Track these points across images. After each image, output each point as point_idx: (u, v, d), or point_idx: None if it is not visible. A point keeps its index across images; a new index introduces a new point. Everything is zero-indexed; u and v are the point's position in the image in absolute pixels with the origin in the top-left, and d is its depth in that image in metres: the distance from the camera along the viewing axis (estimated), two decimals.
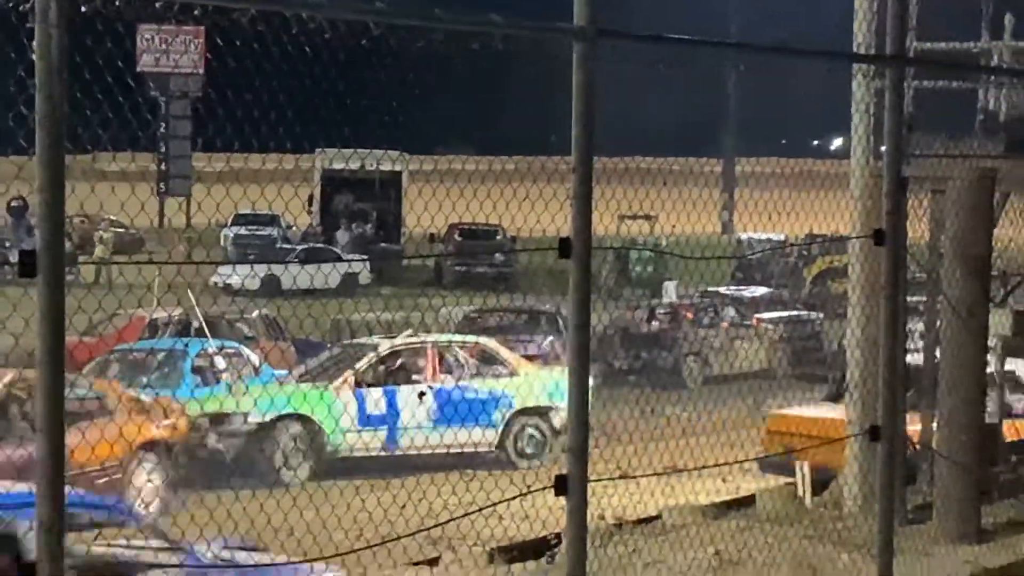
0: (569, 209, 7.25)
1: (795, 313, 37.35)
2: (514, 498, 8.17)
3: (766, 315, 36.52)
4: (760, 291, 40.29)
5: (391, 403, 22.06)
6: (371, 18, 6.75)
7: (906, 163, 11.13)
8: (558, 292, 31.93)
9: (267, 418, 20.84)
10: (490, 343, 24.20)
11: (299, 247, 50.00)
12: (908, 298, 13.19)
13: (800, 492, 14.42)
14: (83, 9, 5.74)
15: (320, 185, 55.98)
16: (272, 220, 54.14)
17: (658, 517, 14.22)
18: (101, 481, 16.30)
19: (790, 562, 11.70)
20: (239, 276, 39.70)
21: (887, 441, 9.44)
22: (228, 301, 29.63)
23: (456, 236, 50.09)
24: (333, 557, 8.58)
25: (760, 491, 14.78)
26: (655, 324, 34.02)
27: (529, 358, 26.19)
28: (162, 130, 60.03)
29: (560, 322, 30.33)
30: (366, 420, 21.68)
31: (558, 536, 12.07)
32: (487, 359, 23.55)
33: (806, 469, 14.30)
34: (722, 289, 37.96)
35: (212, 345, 23.66)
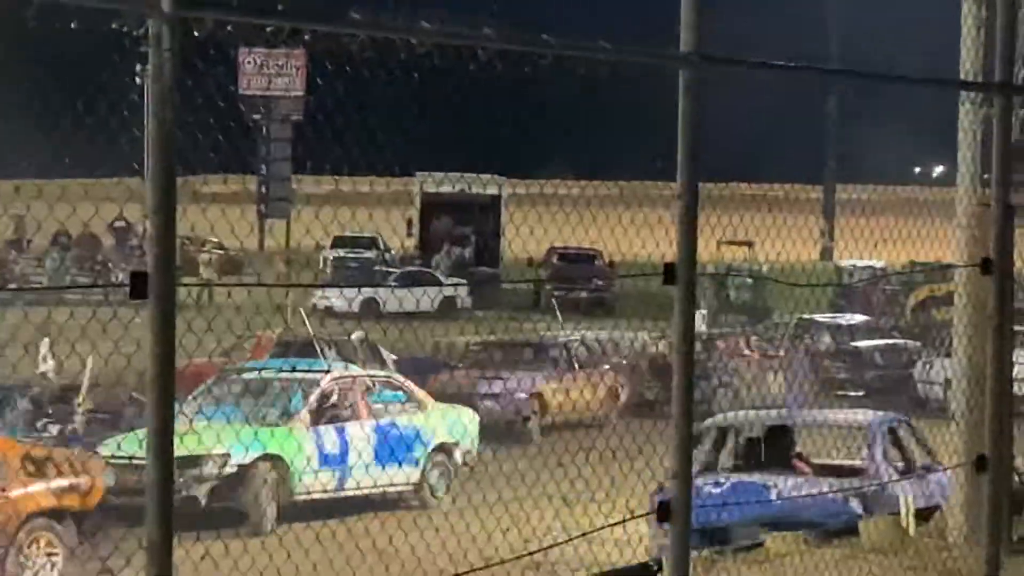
0: (671, 234, 7.25)
1: (891, 341, 37.11)
2: (617, 524, 8.15)
3: (861, 343, 36.30)
4: (857, 318, 40.00)
5: (343, 441, 20.86)
6: (480, 43, 6.78)
7: (1014, 191, 11.03)
8: (660, 318, 31.87)
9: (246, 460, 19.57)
10: (399, 377, 23.25)
11: (398, 270, 50.21)
12: (1015, 327, 13.04)
13: (904, 522, 14.27)
14: (196, 34, 5.81)
15: (420, 208, 56.19)
16: (371, 243, 54.39)
17: (760, 545, 14.13)
18: None
19: None
20: (340, 299, 39.89)
21: (993, 471, 9.33)
22: (332, 323, 29.82)
23: (555, 260, 50.08)
24: None
25: (864, 520, 14.63)
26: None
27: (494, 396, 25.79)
28: (264, 152, 60.50)
29: (569, 354, 29.70)
30: (324, 460, 20.48)
31: (659, 562, 12.03)
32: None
33: (910, 499, 14.16)
34: (818, 317, 37.55)
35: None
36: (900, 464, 16.32)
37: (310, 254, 47.32)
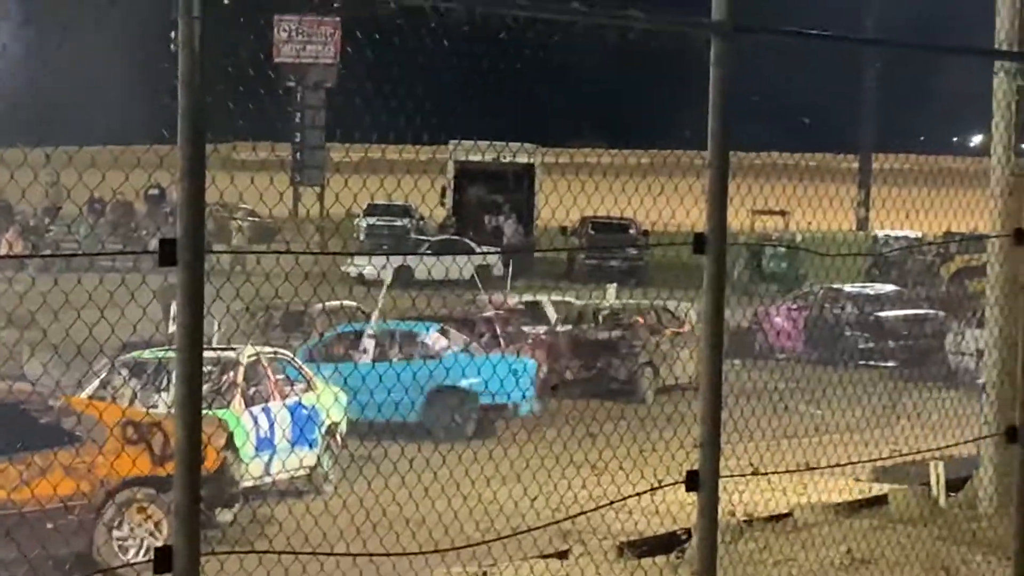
0: (703, 204, 7.23)
1: (918, 312, 36.94)
2: (645, 492, 8.15)
3: (886, 313, 36.14)
4: (885, 288, 39.78)
5: (270, 424, 19.76)
6: (510, 11, 6.77)
7: None
8: (690, 287, 31.75)
9: None
10: (288, 354, 22.25)
11: (431, 238, 50.18)
12: None
13: (934, 492, 14.25)
14: (225, 1, 5.81)
15: (453, 177, 56.20)
16: (405, 211, 54.41)
17: (789, 515, 14.13)
18: (61, 523, 14.14)
19: (923, 563, 11.57)
20: (373, 266, 39.93)
21: None
22: (363, 292, 29.77)
23: (589, 229, 50.05)
24: (463, 548, 8.63)
25: (893, 491, 14.63)
26: (605, 332, 30.59)
27: None
28: (297, 120, 60.52)
29: (495, 331, 28.36)
30: (259, 444, 19.32)
31: (688, 531, 12.04)
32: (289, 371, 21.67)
33: (940, 469, 14.14)
34: (845, 286, 37.30)
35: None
36: None
37: (342, 221, 47.39)
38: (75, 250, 42.45)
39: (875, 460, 12.70)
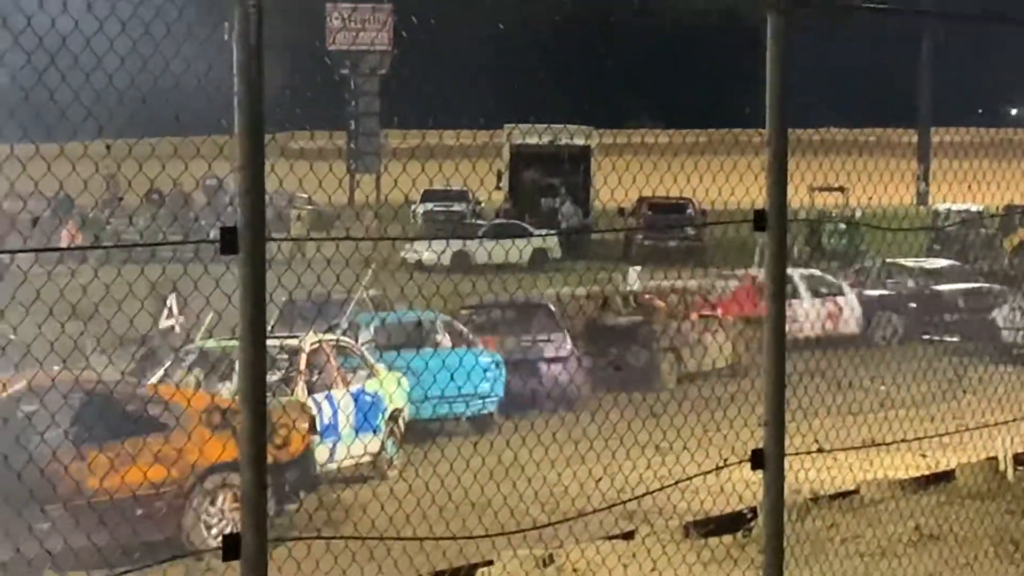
0: (763, 181, 7.20)
1: (973, 285, 36.83)
2: (710, 472, 8.14)
3: (941, 287, 36.07)
4: (941, 262, 39.74)
5: (334, 411, 19.84)
6: None
7: None
8: (749, 264, 31.63)
9: None
10: (350, 341, 22.19)
11: (488, 222, 50.20)
12: None
13: (1002, 467, 14.16)
14: None
15: (508, 160, 56.19)
16: (461, 196, 54.46)
17: (856, 492, 14.07)
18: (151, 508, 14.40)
19: (992, 537, 11.50)
20: (431, 252, 39.99)
21: None
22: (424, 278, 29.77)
23: (646, 210, 49.90)
24: (529, 531, 8.63)
25: (960, 465, 14.54)
26: (621, 318, 29.62)
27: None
28: (352, 107, 60.66)
29: (555, 316, 27.90)
30: (324, 430, 19.13)
31: (754, 510, 12.00)
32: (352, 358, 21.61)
33: (1008, 443, 14.04)
34: (903, 260, 37.24)
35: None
36: None
37: (400, 208, 47.47)
38: (136, 241, 42.68)
39: (941, 435, 12.62)
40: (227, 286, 5.96)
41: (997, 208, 31.98)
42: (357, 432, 19.58)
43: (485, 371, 23.50)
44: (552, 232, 47.84)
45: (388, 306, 26.61)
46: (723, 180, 9.98)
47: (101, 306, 8.62)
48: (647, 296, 31.21)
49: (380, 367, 21.57)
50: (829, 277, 35.96)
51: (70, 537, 12.89)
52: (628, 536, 12.98)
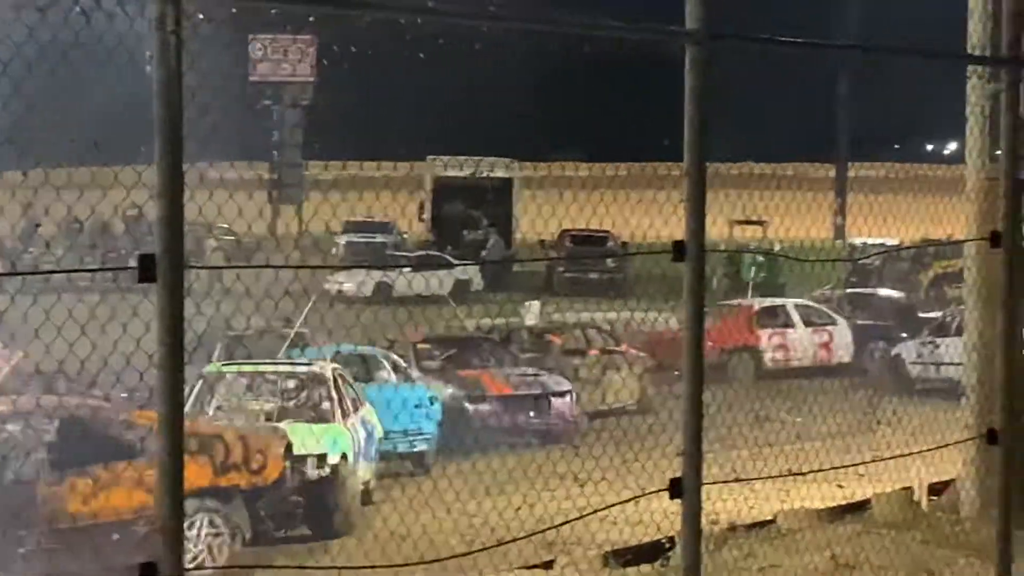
0: (682, 214, 7.25)
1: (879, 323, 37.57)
2: (628, 501, 8.17)
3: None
4: (891, 292, 41.00)
5: (366, 433, 20.05)
6: (483, 23, 6.79)
7: (1022, 166, 11.02)
8: (671, 298, 31.75)
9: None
10: (344, 371, 21.99)
11: (410, 254, 50.17)
12: None
13: (917, 496, 14.29)
14: (200, 16, 5.81)
15: (431, 192, 56.25)
16: (384, 227, 54.43)
17: (773, 521, 14.15)
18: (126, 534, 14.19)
19: (907, 566, 11.60)
20: (352, 283, 39.92)
21: (1005, 444, 9.34)
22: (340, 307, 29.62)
23: (567, 242, 50.08)
24: (448, 559, 8.63)
25: (876, 496, 14.66)
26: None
27: None
28: (275, 138, 60.51)
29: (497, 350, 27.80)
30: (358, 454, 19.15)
31: (672, 540, 12.05)
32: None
33: (922, 474, 14.18)
34: (861, 290, 38.42)
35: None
36: None
37: (321, 239, 47.39)
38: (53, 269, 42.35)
39: (857, 464, 12.73)
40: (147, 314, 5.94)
41: (912, 242, 32.37)
42: (361, 459, 19.33)
43: (417, 407, 23.21)
44: (472, 263, 47.88)
45: (309, 339, 26.40)
46: (643, 212, 10.05)
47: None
48: (545, 332, 30.69)
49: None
50: (823, 308, 37.04)
51: (45, 563, 12.88)
52: (547, 566, 12.99)
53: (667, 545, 12.59)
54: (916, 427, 16.62)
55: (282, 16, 6.02)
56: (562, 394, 25.96)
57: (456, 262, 44.16)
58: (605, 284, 46.76)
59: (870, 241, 47.89)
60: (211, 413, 18.91)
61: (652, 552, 13.00)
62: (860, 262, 43.91)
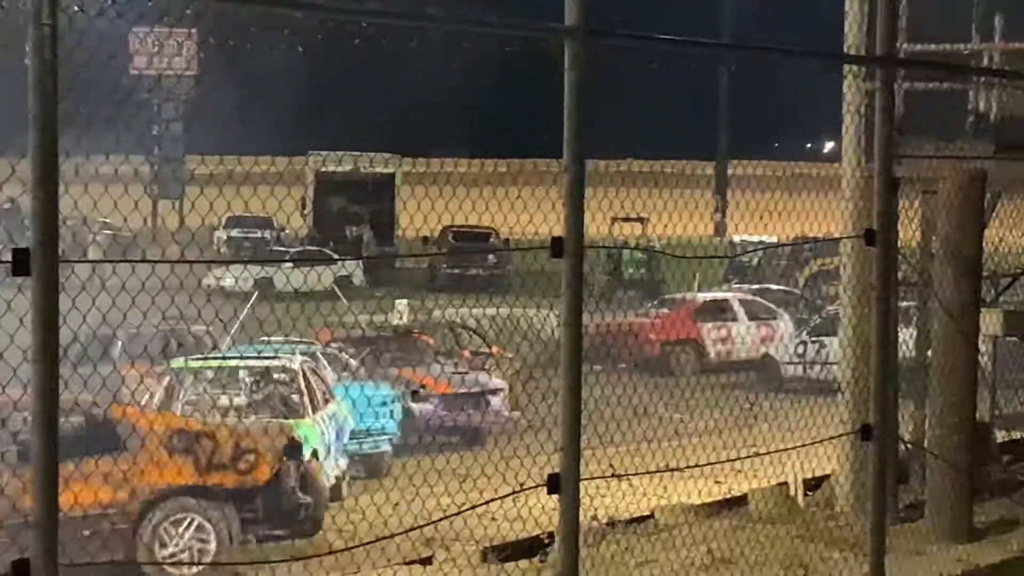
0: (561, 210, 7.29)
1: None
2: (507, 496, 8.20)
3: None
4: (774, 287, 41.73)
5: (333, 428, 19.86)
6: (364, 19, 6.77)
7: (897, 164, 11.19)
8: (551, 294, 31.80)
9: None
10: (313, 363, 21.84)
11: (291, 249, 49.97)
12: (900, 302, 13.23)
13: (793, 492, 14.44)
14: (76, 9, 5.76)
15: (313, 187, 56.06)
16: (265, 223, 54.17)
17: (651, 517, 14.24)
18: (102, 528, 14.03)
19: (782, 561, 11.72)
20: (232, 277, 39.68)
21: (878, 440, 9.48)
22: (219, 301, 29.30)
23: (450, 238, 50.12)
24: (326, 555, 8.61)
25: (752, 491, 14.80)
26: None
27: None
28: (154, 132, 59.99)
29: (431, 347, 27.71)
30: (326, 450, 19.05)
31: (551, 535, 12.10)
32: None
33: (798, 469, 14.33)
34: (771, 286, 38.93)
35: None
36: None
37: (202, 234, 47.02)
38: None
39: (734, 460, 12.85)
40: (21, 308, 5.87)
41: (790, 239, 32.71)
42: (331, 453, 19.26)
43: (383, 405, 22.93)
44: (352, 258, 47.73)
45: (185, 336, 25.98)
46: (523, 208, 10.06)
47: None
48: (415, 331, 30.07)
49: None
50: (766, 303, 37.27)
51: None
52: (426, 561, 13.00)
53: (546, 540, 12.63)
54: (793, 423, 16.81)
55: (157, 8, 5.97)
56: (496, 391, 25.99)
57: (337, 257, 44.00)
58: (486, 280, 46.84)
59: (749, 238, 48.45)
60: (179, 409, 18.58)
61: (531, 548, 13.04)
62: (739, 259, 44.33)
